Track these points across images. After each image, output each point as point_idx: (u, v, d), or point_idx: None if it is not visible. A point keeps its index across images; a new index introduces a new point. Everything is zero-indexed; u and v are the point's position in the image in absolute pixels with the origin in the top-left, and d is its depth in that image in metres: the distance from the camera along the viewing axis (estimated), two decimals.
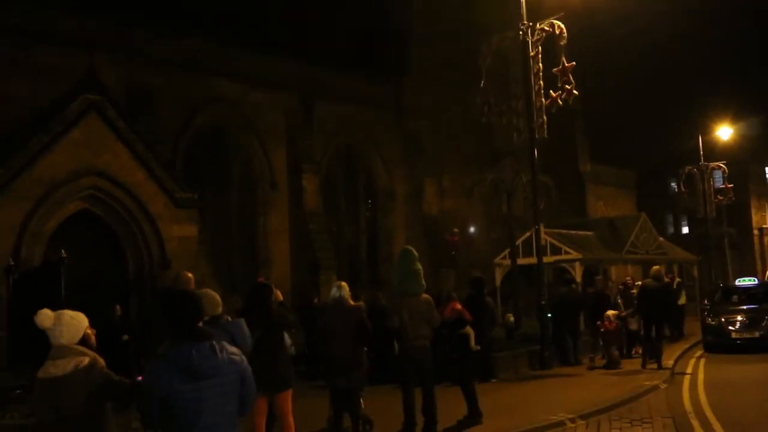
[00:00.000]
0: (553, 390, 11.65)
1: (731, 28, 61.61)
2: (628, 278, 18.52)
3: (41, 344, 4.31)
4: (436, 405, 8.44)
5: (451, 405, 9.16)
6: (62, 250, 14.29)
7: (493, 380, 12.47)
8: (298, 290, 21.14)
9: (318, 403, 9.16)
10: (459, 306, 10.24)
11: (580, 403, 9.99)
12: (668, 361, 13.91)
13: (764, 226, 47.09)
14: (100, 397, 4.08)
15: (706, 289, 24.95)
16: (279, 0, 25.80)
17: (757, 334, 15.86)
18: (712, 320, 16.68)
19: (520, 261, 18.98)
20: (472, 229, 28.32)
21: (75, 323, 4.23)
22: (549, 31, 14.77)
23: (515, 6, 15.13)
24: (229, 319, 5.43)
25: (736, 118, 33.99)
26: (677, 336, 18.58)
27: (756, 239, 46.18)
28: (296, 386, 7.38)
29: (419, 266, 8.65)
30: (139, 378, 4.17)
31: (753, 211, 46.01)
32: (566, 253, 21.21)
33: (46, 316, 4.17)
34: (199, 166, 22.20)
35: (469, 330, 10.10)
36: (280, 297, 7.70)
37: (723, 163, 29.07)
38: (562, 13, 14.91)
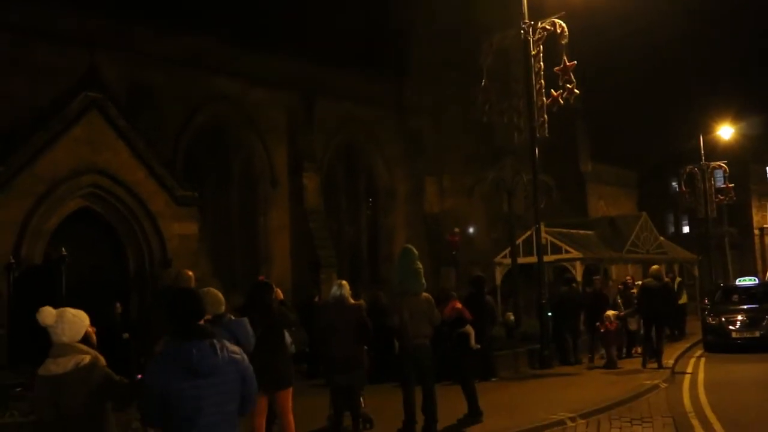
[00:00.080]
0: (553, 389, 11.66)
1: (732, 28, 61.53)
2: (628, 278, 18.51)
3: (42, 342, 4.31)
4: (436, 403, 8.44)
5: (451, 404, 9.17)
6: (63, 248, 14.28)
7: (494, 379, 12.47)
8: (299, 288, 21.16)
9: (318, 402, 9.16)
10: (459, 305, 10.25)
11: (580, 402, 10.00)
12: (668, 361, 13.92)
13: (765, 225, 47.05)
14: (101, 396, 4.08)
15: (706, 289, 24.95)
16: None
17: (757, 334, 15.87)
18: (713, 320, 16.68)
19: (521, 260, 18.98)
20: (472, 228, 28.30)
21: (77, 321, 4.23)
22: (550, 30, 14.77)
23: (516, 5, 15.13)
24: (232, 317, 5.42)
25: (737, 117, 33.98)
26: (679, 335, 18.59)
27: (757, 239, 46.16)
28: (296, 384, 7.39)
29: (419, 265, 8.66)
30: (139, 377, 4.17)
31: (754, 210, 45.98)
32: (567, 252, 21.22)
33: (48, 314, 4.17)
34: (200, 164, 22.20)
35: (469, 329, 10.11)
36: (281, 295, 7.70)
37: (724, 163, 29.06)
38: (564, 12, 14.91)
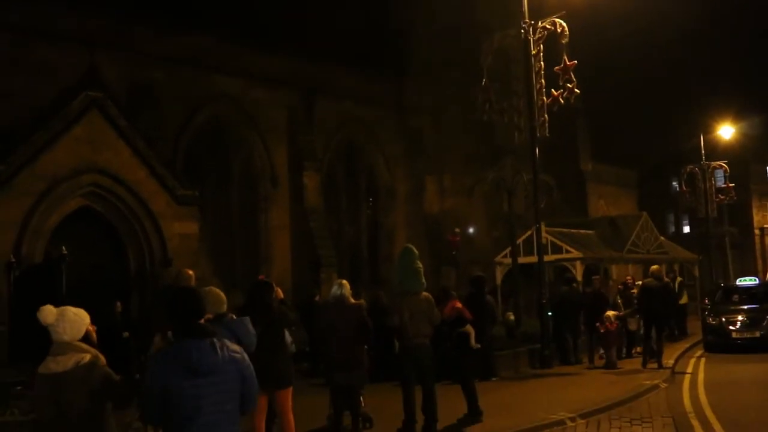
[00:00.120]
0: (553, 389, 11.66)
1: (733, 28, 61.53)
2: (629, 278, 18.51)
3: (42, 340, 4.32)
4: (436, 403, 8.44)
5: (451, 403, 9.17)
6: (63, 247, 14.30)
7: (494, 379, 12.47)
8: (299, 288, 21.16)
9: (318, 401, 9.17)
10: (459, 304, 10.25)
11: (580, 402, 10.00)
12: (668, 361, 13.91)
13: (765, 225, 47.02)
14: (101, 395, 4.08)
15: (706, 289, 24.93)
16: None
17: (757, 334, 15.87)
18: (713, 320, 16.68)
19: (521, 260, 18.98)
20: (472, 228, 28.30)
21: (78, 320, 4.24)
22: (551, 29, 14.77)
23: (517, 4, 15.12)
24: (234, 317, 5.42)
25: (737, 117, 33.96)
26: (679, 335, 18.60)
27: (757, 239, 46.13)
28: (296, 384, 7.39)
29: (420, 264, 8.66)
30: (138, 376, 4.18)
31: (754, 210, 45.96)
32: (567, 252, 21.21)
33: (49, 312, 4.18)
34: (201, 163, 22.20)
35: (470, 328, 10.11)
36: (281, 294, 7.71)
37: (724, 163, 29.03)
38: (564, 12, 14.91)
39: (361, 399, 8.63)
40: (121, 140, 16.90)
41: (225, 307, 5.48)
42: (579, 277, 19.50)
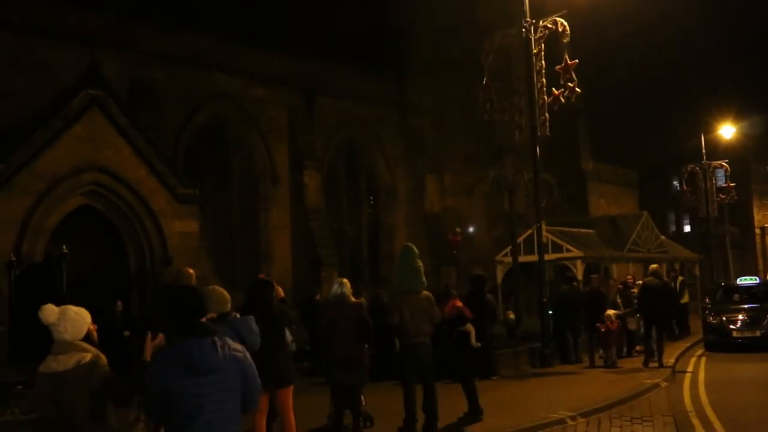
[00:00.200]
0: (553, 388, 11.65)
1: (734, 27, 61.50)
2: (629, 277, 18.50)
3: (43, 340, 4.31)
4: (436, 402, 8.44)
5: (451, 402, 9.17)
6: (63, 246, 14.29)
7: (494, 377, 12.47)
8: (299, 287, 21.16)
9: (319, 400, 9.16)
10: (459, 303, 10.25)
11: (580, 401, 9.99)
12: (669, 360, 13.91)
13: (766, 225, 47.01)
14: (101, 394, 4.08)
15: (707, 288, 24.94)
16: None
17: (758, 333, 15.87)
18: (714, 319, 16.67)
19: (522, 258, 18.98)
20: (473, 227, 28.29)
21: (79, 319, 4.24)
22: (552, 28, 14.76)
23: (518, 3, 15.11)
24: (238, 316, 5.41)
25: (738, 116, 33.95)
26: (680, 334, 18.62)
27: (758, 238, 46.12)
28: (297, 383, 7.38)
29: (420, 263, 8.65)
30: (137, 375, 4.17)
31: (755, 210, 45.94)
32: (568, 251, 21.21)
33: (50, 311, 4.17)
34: (201, 161, 22.21)
35: (470, 327, 10.10)
36: (281, 293, 7.70)
37: (725, 162, 29.03)
38: (565, 11, 14.90)
39: (362, 398, 8.63)
40: (122, 138, 16.89)
41: (229, 306, 5.46)
42: (579, 276, 19.51)
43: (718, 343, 16.26)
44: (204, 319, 3.81)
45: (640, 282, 15.54)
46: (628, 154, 42.02)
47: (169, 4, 21.34)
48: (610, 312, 14.24)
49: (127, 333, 13.44)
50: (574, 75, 14.51)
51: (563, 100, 14.71)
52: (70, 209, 16.48)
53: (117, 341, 12.70)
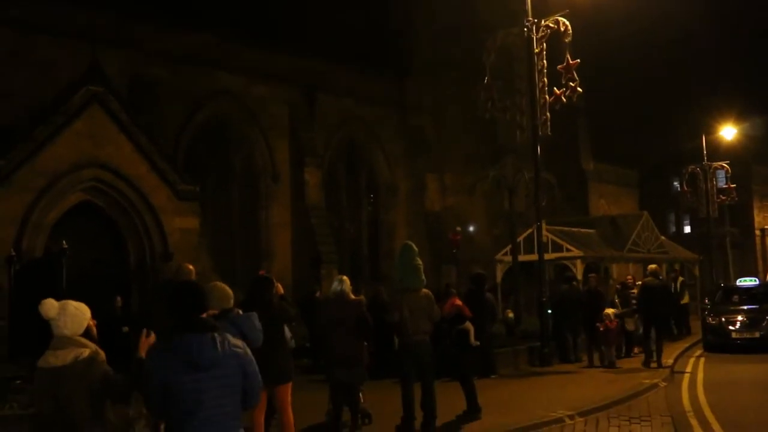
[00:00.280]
0: (552, 387, 11.66)
1: (736, 28, 61.48)
2: (629, 277, 18.50)
3: (42, 335, 4.32)
4: (435, 400, 8.44)
5: (450, 400, 9.18)
6: (63, 241, 14.29)
7: (493, 376, 12.47)
8: (299, 284, 21.17)
9: (317, 397, 9.17)
10: (459, 302, 10.25)
11: (579, 401, 10.00)
12: (668, 360, 13.92)
13: (766, 226, 47.01)
14: (99, 390, 4.08)
15: (707, 289, 24.94)
16: None
17: (757, 335, 15.87)
18: (713, 320, 16.68)
19: (522, 258, 18.98)
20: (473, 226, 28.30)
21: (79, 314, 4.24)
22: (554, 28, 14.76)
23: (520, 3, 15.10)
24: (240, 312, 5.41)
25: (739, 118, 33.94)
26: (679, 334, 18.66)
27: (758, 239, 46.13)
28: (296, 380, 7.38)
29: (419, 261, 8.65)
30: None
31: (755, 211, 45.95)
32: (567, 250, 21.20)
33: (51, 306, 4.18)
34: (202, 158, 22.22)
35: (469, 326, 10.11)
36: (281, 290, 7.70)
37: (726, 163, 29.02)
38: (567, 11, 14.90)
39: (361, 395, 8.64)
40: (123, 135, 16.90)
41: (231, 302, 5.46)
42: (579, 276, 19.51)
43: (717, 343, 16.26)
44: (205, 315, 3.82)
45: (640, 283, 15.54)
46: (628, 155, 42.00)
47: (170, 2, 21.34)
48: (609, 311, 14.22)
49: (126, 329, 13.45)
50: (575, 74, 14.51)
51: (564, 100, 14.71)
52: (71, 205, 16.50)
53: (116, 337, 12.71)
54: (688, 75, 49.42)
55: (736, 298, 18.09)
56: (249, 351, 3.77)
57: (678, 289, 19.34)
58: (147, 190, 17.27)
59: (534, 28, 14.83)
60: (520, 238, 20.07)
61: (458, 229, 25.87)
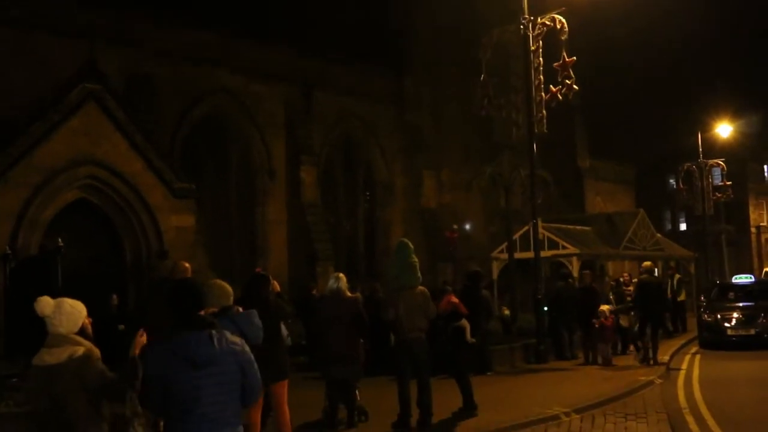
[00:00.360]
0: (548, 384, 11.67)
1: (732, 26, 61.64)
2: (625, 274, 18.54)
3: (37, 332, 4.31)
4: (431, 397, 8.45)
5: (446, 397, 9.19)
6: (59, 239, 14.28)
7: (489, 373, 12.49)
8: (296, 281, 21.16)
9: (314, 394, 9.17)
10: (455, 299, 10.26)
11: (575, 397, 10.01)
12: (664, 357, 13.95)
13: (762, 224, 47.18)
14: (93, 388, 4.08)
15: (702, 286, 24.99)
16: None
17: (752, 332, 15.90)
18: (708, 317, 16.72)
19: (518, 255, 19.00)
20: (469, 224, 28.32)
21: (74, 312, 4.23)
22: (550, 25, 14.75)
23: (517, 1, 15.09)
24: (240, 310, 5.40)
25: (735, 115, 34.01)
26: (681, 330, 18.75)
27: (753, 237, 46.28)
28: (292, 377, 7.39)
29: (415, 259, 8.65)
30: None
31: (751, 209, 46.10)
32: (563, 247, 21.24)
33: (46, 304, 4.17)
34: (198, 156, 22.21)
35: (465, 323, 10.11)
36: (278, 288, 7.70)
37: (722, 161, 29.08)
38: (564, 8, 14.89)
39: (357, 392, 8.64)
40: (119, 133, 16.87)
41: (231, 299, 5.45)
42: (575, 273, 19.54)
43: (713, 340, 16.30)
44: (204, 313, 3.82)
45: (636, 280, 15.56)
46: (625, 152, 42.07)
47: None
48: (604, 307, 14.23)
49: (122, 327, 13.42)
50: (571, 72, 14.50)
51: (561, 98, 14.69)
52: (66, 202, 16.47)
53: (112, 335, 12.69)
54: (686, 73, 49.53)
55: (731, 295, 18.15)
56: (247, 348, 3.77)
57: (675, 287, 19.38)
58: (143, 187, 17.25)
59: (530, 25, 14.81)
60: (516, 236, 20.09)
61: (455, 227, 25.90)
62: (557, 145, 30.36)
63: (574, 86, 14.51)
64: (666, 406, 9.81)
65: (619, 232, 24.36)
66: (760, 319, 16.00)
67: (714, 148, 31.28)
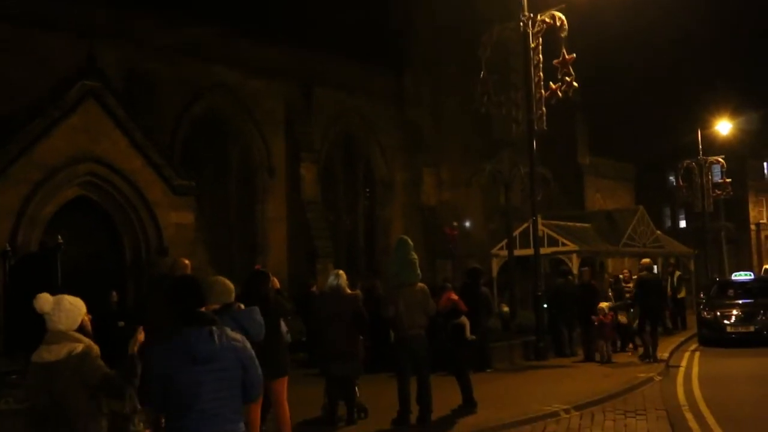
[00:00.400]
0: (547, 381, 11.69)
1: (732, 26, 61.56)
2: (625, 271, 18.55)
3: (37, 329, 4.31)
4: (431, 394, 8.46)
5: (446, 394, 9.19)
6: (59, 236, 14.25)
7: (489, 370, 12.50)
8: (295, 278, 21.17)
9: (313, 391, 9.18)
10: (454, 296, 10.26)
11: (574, 394, 10.03)
12: (663, 354, 13.96)
13: (761, 221, 47.19)
14: (92, 385, 4.08)
15: (702, 283, 25.01)
16: None
17: (751, 329, 15.92)
18: (708, 314, 16.73)
19: (517, 252, 19.00)
20: (469, 221, 28.33)
21: (74, 309, 4.23)
22: (550, 22, 14.74)
23: None
24: (242, 306, 5.40)
25: (735, 112, 33.99)
26: (681, 328, 18.78)
27: (753, 234, 46.30)
28: (292, 374, 7.39)
29: (414, 256, 8.66)
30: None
31: (750, 206, 46.11)
32: (563, 244, 21.24)
33: (45, 301, 4.17)
34: (198, 153, 22.19)
35: (464, 320, 10.11)
36: (277, 284, 7.70)
37: (722, 158, 29.07)
38: (564, 5, 14.88)
39: (356, 389, 8.65)
40: (118, 130, 16.85)
41: (233, 296, 5.44)
42: (575, 270, 19.54)
43: (712, 338, 16.31)
44: (204, 309, 3.82)
45: (636, 277, 15.57)
46: (624, 149, 42.05)
47: None
48: (603, 305, 14.22)
49: (122, 323, 13.43)
50: (571, 69, 14.50)
51: (560, 95, 14.69)
52: (66, 200, 16.45)
53: (112, 332, 12.68)
54: (686, 73, 49.49)
55: (731, 292, 18.16)
56: (248, 345, 3.77)
57: (675, 284, 19.40)
58: (142, 184, 17.24)
59: (530, 22, 14.80)
60: (516, 233, 20.09)
61: (455, 224, 25.90)
62: (557, 142, 30.38)
63: (574, 83, 14.51)
64: (665, 403, 9.82)
65: (618, 229, 24.37)
66: (760, 317, 16.01)
67: (714, 146, 31.28)
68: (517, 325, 15.72)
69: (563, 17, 14.61)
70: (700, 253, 28.73)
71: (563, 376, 12.14)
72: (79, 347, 4.09)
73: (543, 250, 17.93)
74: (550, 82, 14.84)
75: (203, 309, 3.80)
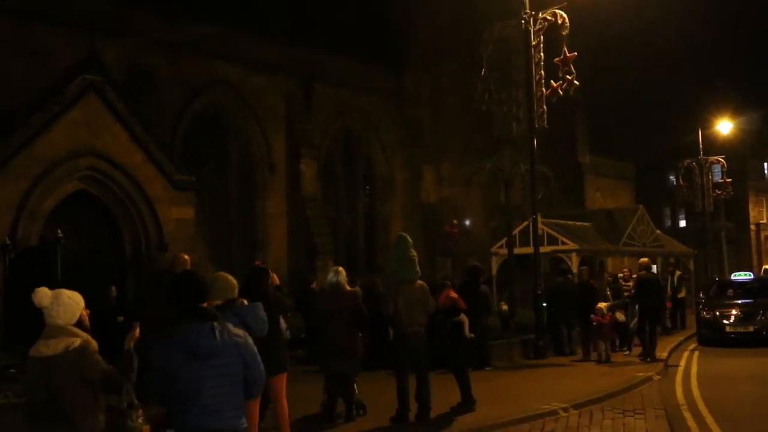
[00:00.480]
0: (546, 379, 11.70)
1: (732, 26, 61.58)
2: (625, 270, 18.53)
3: (36, 323, 4.31)
4: (429, 391, 8.46)
5: (445, 392, 9.19)
6: (59, 230, 14.25)
7: (488, 368, 12.51)
8: (295, 275, 21.17)
9: (312, 388, 9.18)
10: (454, 294, 10.26)
11: (573, 393, 10.03)
12: (662, 354, 13.97)
13: (761, 221, 47.18)
14: (89, 380, 4.08)
15: (701, 283, 25.01)
16: None
17: (751, 329, 15.92)
18: (707, 314, 16.74)
19: (517, 250, 19.00)
20: (469, 219, 28.32)
21: (72, 304, 4.23)
22: (551, 20, 14.72)
23: None
24: (245, 302, 5.39)
25: (736, 112, 33.97)
26: (681, 327, 18.78)
27: (753, 234, 46.30)
28: (291, 370, 7.39)
29: (414, 253, 8.65)
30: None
31: (750, 206, 46.10)
32: (563, 243, 21.23)
33: (44, 295, 4.17)
34: (198, 148, 22.17)
35: (464, 318, 10.11)
36: (277, 281, 7.70)
37: (722, 158, 29.06)
38: (565, 3, 14.86)
39: (355, 386, 8.65)
40: (119, 124, 16.83)
41: (236, 292, 5.43)
42: (574, 269, 19.54)
43: (711, 337, 16.32)
44: (207, 305, 3.82)
45: (635, 276, 15.56)
46: (625, 148, 42.04)
47: None
48: (602, 305, 14.22)
49: (121, 318, 13.42)
50: (572, 67, 14.48)
51: (561, 93, 14.68)
52: (66, 194, 16.44)
53: (111, 327, 12.68)
54: (686, 73, 49.49)
55: (730, 292, 18.16)
56: (250, 341, 3.76)
57: (675, 283, 19.40)
58: (143, 179, 17.22)
59: (531, 20, 14.78)
60: (516, 231, 20.09)
61: (455, 221, 25.89)
62: (558, 141, 30.39)
63: (575, 81, 14.50)
64: (664, 402, 9.83)
65: (618, 228, 24.36)
66: (759, 317, 16.02)
67: (714, 145, 31.27)
68: (517, 324, 15.72)
69: (565, 15, 14.59)
70: (700, 252, 28.73)
71: (562, 375, 12.14)
72: (77, 342, 4.08)
73: (543, 249, 17.92)
74: (551, 80, 14.82)
75: (206, 304, 3.80)
